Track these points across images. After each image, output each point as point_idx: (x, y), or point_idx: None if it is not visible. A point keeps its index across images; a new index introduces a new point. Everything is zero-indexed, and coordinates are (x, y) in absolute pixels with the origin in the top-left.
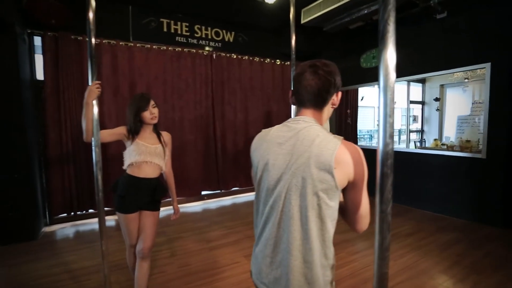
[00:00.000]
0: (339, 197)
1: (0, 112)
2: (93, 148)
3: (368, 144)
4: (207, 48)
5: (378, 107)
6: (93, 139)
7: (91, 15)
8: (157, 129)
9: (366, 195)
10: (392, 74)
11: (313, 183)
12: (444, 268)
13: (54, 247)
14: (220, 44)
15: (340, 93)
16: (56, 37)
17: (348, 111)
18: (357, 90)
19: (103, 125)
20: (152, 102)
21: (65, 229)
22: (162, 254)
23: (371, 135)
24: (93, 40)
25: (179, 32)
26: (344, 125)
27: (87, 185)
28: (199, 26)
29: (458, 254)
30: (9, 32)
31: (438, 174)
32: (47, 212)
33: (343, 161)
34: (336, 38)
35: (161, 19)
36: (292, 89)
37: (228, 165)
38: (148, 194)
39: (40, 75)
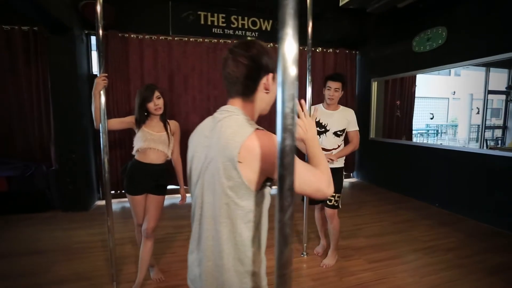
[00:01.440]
0: (256, 196)
1: (61, 101)
2: (100, 134)
3: (425, 142)
4: (249, 39)
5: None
6: (100, 125)
7: (98, 8)
8: (164, 118)
9: (301, 172)
10: (292, 68)
11: (220, 180)
12: None
13: (99, 218)
14: (257, 33)
15: (271, 75)
16: (106, 35)
17: (398, 102)
18: (413, 78)
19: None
20: (156, 94)
21: (113, 205)
22: (181, 236)
23: (436, 131)
24: (100, 32)
25: (215, 23)
26: (390, 118)
27: None
28: (235, 17)
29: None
30: (68, 34)
31: (510, 181)
32: (100, 188)
33: (250, 155)
34: (384, 20)
35: (199, 12)
36: None
37: None
38: (153, 178)
39: (96, 69)
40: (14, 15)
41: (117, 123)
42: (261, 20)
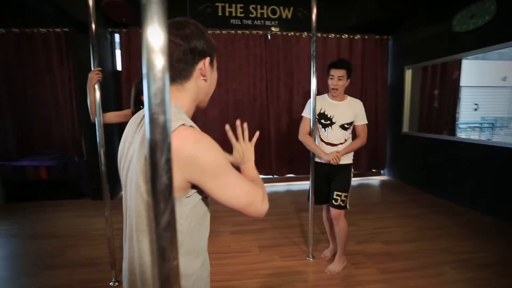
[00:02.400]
0: (180, 204)
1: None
2: (96, 128)
3: (473, 137)
4: (273, 29)
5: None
6: (96, 119)
7: (90, 2)
8: None
9: (232, 183)
10: (159, 59)
11: (138, 183)
12: None
13: (120, 207)
14: (276, 22)
15: (208, 59)
16: (128, 32)
17: (436, 92)
18: (455, 64)
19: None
20: None
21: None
22: None
23: (492, 125)
24: (93, 26)
25: (233, 14)
26: (427, 110)
27: None
28: (254, 6)
29: None
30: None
31: None
32: None
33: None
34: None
35: (216, 4)
36: None
37: (282, 151)
38: None
39: (120, 66)
40: (47, 19)
41: (114, 116)
42: (281, 8)
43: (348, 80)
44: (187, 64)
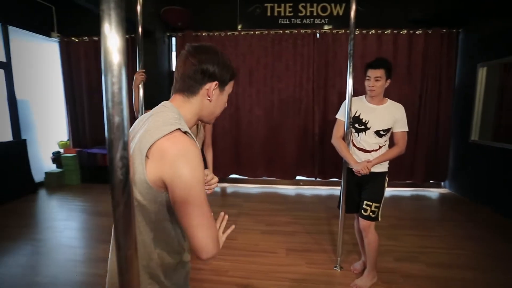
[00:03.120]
0: (160, 197)
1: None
2: None
3: None
4: (325, 27)
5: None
6: (139, 115)
7: (138, 8)
8: None
9: (200, 222)
10: (117, 56)
11: (133, 174)
12: None
13: None
14: (326, 20)
15: (215, 84)
16: (183, 36)
17: None
18: None
19: None
20: None
21: None
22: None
23: None
24: (140, 30)
25: (282, 14)
26: (506, 116)
27: None
28: (303, 4)
29: None
30: (151, 37)
31: None
32: None
33: (159, 152)
34: None
35: (265, 4)
36: None
37: (328, 154)
38: None
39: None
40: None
41: None
42: (332, 4)
43: (388, 81)
44: (195, 82)
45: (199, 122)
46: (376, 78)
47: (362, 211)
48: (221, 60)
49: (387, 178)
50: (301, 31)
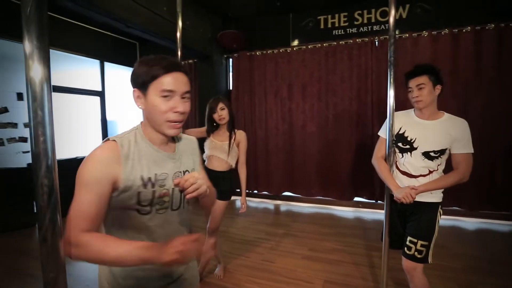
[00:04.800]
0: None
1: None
2: None
3: None
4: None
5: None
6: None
7: (178, 34)
8: (231, 128)
9: (69, 216)
10: (43, 87)
11: None
12: None
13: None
14: (387, 25)
15: (134, 90)
16: (238, 56)
17: None
18: None
19: (263, 120)
20: (220, 105)
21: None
22: (267, 243)
23: None
24: (179, 54)
25: (336, 25)
26: None
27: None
28: (359, 12)
29: None
30: (208, 61)
31: None
32: None
33: None
34: None
35: (318, 17)
36: None
37: None
38: (215, 183)
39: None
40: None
41: (195, 132)
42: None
43: (438, 87)
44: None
45: (233, 140)
46: (419, 86)
47: (406, 248)
48: (138, 66)
49: (440, 211)
50: (357, 40)
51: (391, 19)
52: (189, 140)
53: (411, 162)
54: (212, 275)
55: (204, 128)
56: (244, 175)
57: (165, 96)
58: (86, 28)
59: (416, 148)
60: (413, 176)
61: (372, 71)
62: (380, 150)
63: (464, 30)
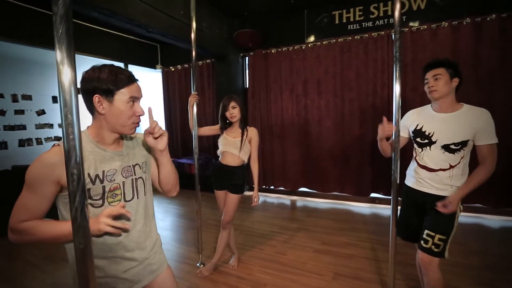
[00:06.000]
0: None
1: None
2: (193, 138)
3: None
4: (412, 24)
5: None
6: (193, 131)
7: (192, 35)
8: (243, 125)
9: (20, 197)
10: (71, 91)
11: None
12: None
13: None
14: (404, 17)
15: (97, 97)
16: (254, 55)
17: None
18: None
19: (279, 116)
20: (232, 104)
21: None
22: (280, 237)
23: None
24: (193, 54)
25: (351, 19)
26: None
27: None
28: (375, 5)
29: None
30: (225, 60)
31: None
32: None
33: None
34: None
35: (333, 12)
36: None
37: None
38: (229, 178)
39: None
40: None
41: (207, 130)
42: None
43: (456, 80)
44: (87, 102)
45: (245, 136)
46: (435, 77)
47: (422, 242)
48: (98, 74)
49: (460, 206)
50: (373, 34)
51: (396, 13)
52: (137, 137)
53: (430, 155)
54: (226, 265)
55: (216, 126)
56: (256, 170)
57: (130, 102)
58: (111, 33)
59: (435, 142)
60: (432, 170)
61: (388, 65)
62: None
63: (488, 19)
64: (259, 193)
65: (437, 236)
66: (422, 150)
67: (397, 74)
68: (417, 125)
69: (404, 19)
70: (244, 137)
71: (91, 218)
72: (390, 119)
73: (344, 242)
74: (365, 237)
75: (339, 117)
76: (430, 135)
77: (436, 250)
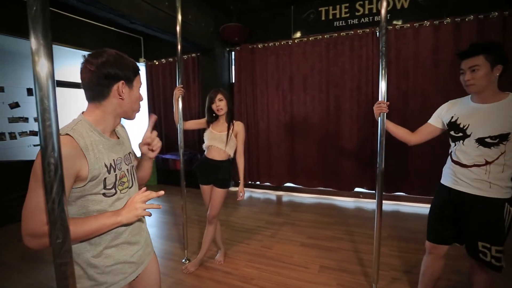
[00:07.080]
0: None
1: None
2: (178, 132)
3: None
4: (395, 22)
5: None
6: (178, 125)
7: (178, 28)
8: (229, 119)
9: (29, 194)
10: (47, 78)
11: None
12: None
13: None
14: (388, 15)
15: (122, 83)
16: (240, 50)
17: None
18: None
19: (265, 111)
20: (219, 96)
21: None
22: (266, 231)
23: None
24: (178, 47)
25: (337, 16)
26: None
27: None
28: (361, 3)
29: None
30: (211, 54)
31: None
32: None
33: None
34: None
35: (320, 9)
36: None
37: (392, 164)
38: (215, 172)
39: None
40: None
41: (193, 124)
42: None
43: (499, 67)
44: (102, 87)
45: (231, 130)
46: (472, 68)
47: (481, 254)
48: (119, 60)
49: (510, 209)
50: (358, 31)
51: (383, 11)
52: (122, 126)
53: (464, 150)
54: (213, 260)
55: (203, 120)
56: (242, 165)
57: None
58: (91, 23)
59: (469, 135)
60: (465, 166)
61: (372, 62)
62: (418, 129)
63: (467, 19)
64: (245, 188)
65: (494, 248)
66: (455, 145)
67: (383, 71)
68: (452, 117)
69: (388, 17)
70: (230, 131)
71: (114, 209)
72: (373, 115)
73: (330, 236)
74: (350, 231)
75: (324, 113)
76: (464, 128)
77: (497, 264)
